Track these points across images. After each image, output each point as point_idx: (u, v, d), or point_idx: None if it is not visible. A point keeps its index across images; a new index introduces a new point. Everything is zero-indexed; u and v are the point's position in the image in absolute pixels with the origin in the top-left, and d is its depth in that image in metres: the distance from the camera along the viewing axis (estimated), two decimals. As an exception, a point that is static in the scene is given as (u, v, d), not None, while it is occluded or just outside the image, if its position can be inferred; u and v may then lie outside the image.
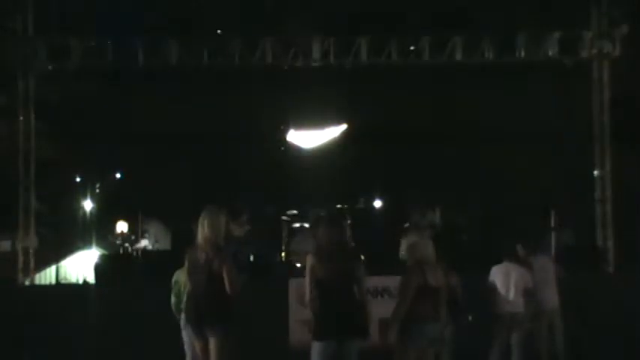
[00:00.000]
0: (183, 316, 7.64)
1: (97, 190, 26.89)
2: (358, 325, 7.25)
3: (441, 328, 7.90)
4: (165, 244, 18.93)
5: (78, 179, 26.36)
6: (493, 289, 10.27)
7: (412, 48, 17.44)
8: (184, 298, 7.56)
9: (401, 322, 7.76)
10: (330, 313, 7.22)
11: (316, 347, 7.24)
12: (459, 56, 17.44)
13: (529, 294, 10.20)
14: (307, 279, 7.25)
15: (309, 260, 7.37)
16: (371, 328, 7.53)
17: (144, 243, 18.19)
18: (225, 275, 7.23)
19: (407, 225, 17.19)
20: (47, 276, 19.20)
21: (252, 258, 16.27)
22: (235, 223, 15.69)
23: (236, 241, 15.44)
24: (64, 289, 15.90)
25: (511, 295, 10.19)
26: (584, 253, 15.88)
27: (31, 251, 17.12)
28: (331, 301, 7.22)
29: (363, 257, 7.78)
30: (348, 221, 16.43)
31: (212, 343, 7.27)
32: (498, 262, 10.49)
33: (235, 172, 18.64)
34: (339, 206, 16.62)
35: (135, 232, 18.48)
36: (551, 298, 10.39)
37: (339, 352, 7.18)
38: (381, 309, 11.79)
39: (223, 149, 18.87)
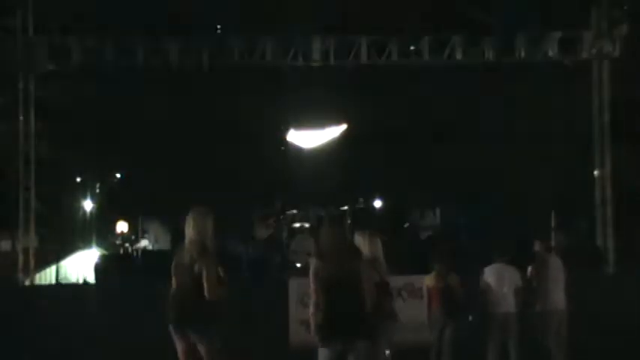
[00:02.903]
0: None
1: (97, 190, 26.89)
2: (365, 326, 7.15)
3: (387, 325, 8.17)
4: (165, 244, 18.92)
5: (78, 179, 26.36)
6: (486, 289, 10.32)
7: (412, 48, 17.44)
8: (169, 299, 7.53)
9: None
10: (337, 316, 7.09)
11: (322, 353, 7.11)
12: (459, 56, 17.46)
13: (519, 293, 10.27)
14: (312, 284, 7.08)
15: (313, 263, 7.25)
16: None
17: (144, 243, 18.20)
18: (204, 279, 7.15)
19: (407, 225, 17.24)
20: (47, 276, 19.17)
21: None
22: (261, 225, 15.91)
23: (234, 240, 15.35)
24: (64, 289, 15.87)
25: (504, 295, 10.24)
26: (584, 253, 15.87)
27: (31, 251, 17.12)
28: (337, 303, 7.09)
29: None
30: (349, 221, 16.56)
31: (200, 348, 7.25)
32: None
33: (235, 172, 18.65)
34: (343, 208, 16.60)
35: (135, 232, 18.47)
36: (562, 298, 10.43)
37: (347, 355, 7.07)
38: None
39: (223, 149, 18.88)
